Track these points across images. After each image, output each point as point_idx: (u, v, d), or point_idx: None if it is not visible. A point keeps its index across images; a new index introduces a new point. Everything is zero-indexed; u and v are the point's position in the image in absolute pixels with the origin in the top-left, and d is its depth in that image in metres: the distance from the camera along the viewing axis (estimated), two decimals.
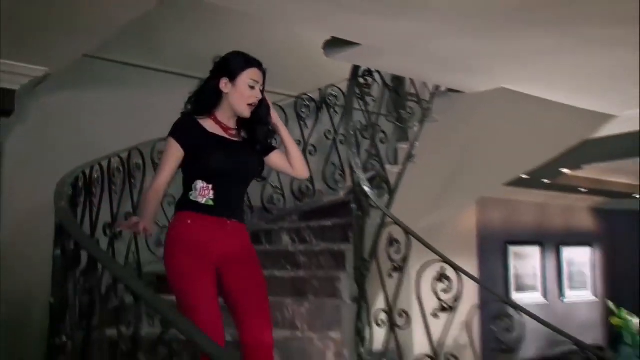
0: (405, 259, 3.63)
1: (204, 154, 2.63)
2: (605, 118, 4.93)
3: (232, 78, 2.67)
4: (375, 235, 3.91)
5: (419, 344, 3.62)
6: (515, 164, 5.47)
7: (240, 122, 2.77)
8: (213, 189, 2.62)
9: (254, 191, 5.03)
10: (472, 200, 6.67)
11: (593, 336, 8.04)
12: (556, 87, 4.35)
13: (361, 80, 4.48)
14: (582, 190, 7.43)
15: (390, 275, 3.71)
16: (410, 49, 3.65)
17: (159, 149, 4.78)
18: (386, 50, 3.69)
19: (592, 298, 8.45)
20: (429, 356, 3.42)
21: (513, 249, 7.71)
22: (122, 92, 5.11)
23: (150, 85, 5.26)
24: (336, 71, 4.84)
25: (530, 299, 7.73)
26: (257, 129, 2.77)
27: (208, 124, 2.70)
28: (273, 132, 2.84)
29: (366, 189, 3.92)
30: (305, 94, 5.47)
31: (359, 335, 3.81)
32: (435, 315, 3.41)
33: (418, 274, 3.49)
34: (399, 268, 3.64)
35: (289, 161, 2.86)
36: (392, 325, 3.63)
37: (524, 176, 6.25)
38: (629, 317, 7.57)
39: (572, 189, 7.29)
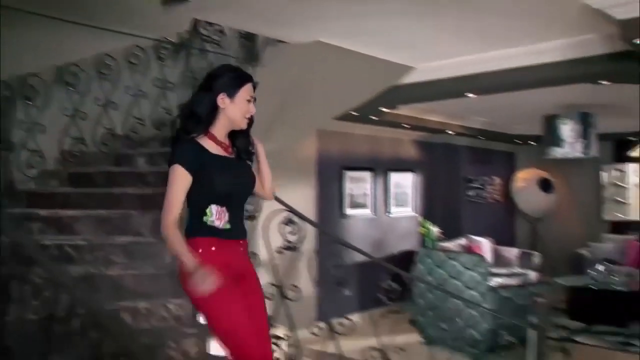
0: None
1: (214, 178, 2.34)
2: (407, 69, 5.24)
3: (231, 95, 2.40)
4: None
5: None
6: (336, 104, 5.71)
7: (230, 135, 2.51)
8: (227, 210, 2.37)
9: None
10: (310, 132, 6.92)
11: (410, 243, 8.65)
12: (366, 43, 4.52)
13: (202, 30, 4.56)
14: (405, 126, 7.76)
15: None
16: (236, 4, 3.67)
17: (30, 83, 4.73)
18: (214, 6, 3.71)
19: (412, 213, 8.97)
20: None
21: (348, 174, 7.95)
22: None
23: (20, 26, 5.09)
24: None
25: (362, 214, 8.13)
26: (238, 139, 2.51)
27: (209, 145, 2.40)
28: (252, 145, 2.57)
29: None
30: (166, 38, 5.48)
31: None
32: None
33: None
34: None
35: (260, 180, 2.62)
36: None
37: (354, 113, 6.48)
38: (431, 227, 8.15)
39: (396, 124, 7.59)
